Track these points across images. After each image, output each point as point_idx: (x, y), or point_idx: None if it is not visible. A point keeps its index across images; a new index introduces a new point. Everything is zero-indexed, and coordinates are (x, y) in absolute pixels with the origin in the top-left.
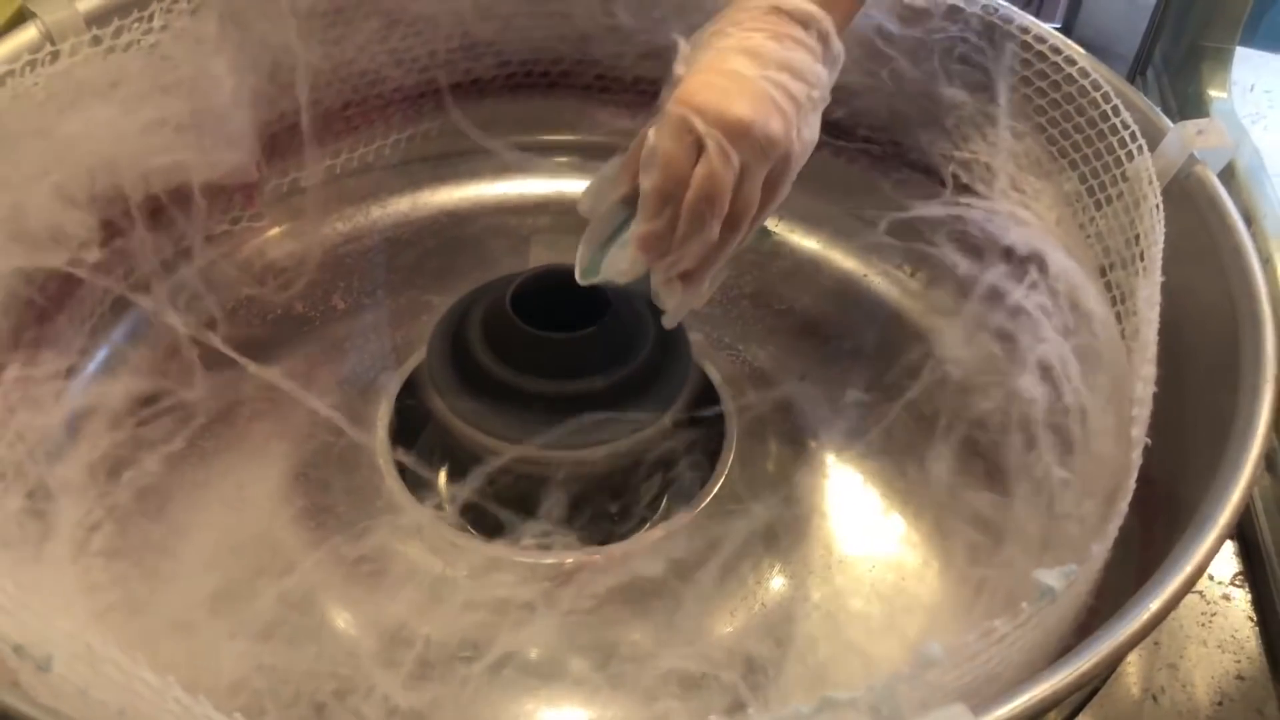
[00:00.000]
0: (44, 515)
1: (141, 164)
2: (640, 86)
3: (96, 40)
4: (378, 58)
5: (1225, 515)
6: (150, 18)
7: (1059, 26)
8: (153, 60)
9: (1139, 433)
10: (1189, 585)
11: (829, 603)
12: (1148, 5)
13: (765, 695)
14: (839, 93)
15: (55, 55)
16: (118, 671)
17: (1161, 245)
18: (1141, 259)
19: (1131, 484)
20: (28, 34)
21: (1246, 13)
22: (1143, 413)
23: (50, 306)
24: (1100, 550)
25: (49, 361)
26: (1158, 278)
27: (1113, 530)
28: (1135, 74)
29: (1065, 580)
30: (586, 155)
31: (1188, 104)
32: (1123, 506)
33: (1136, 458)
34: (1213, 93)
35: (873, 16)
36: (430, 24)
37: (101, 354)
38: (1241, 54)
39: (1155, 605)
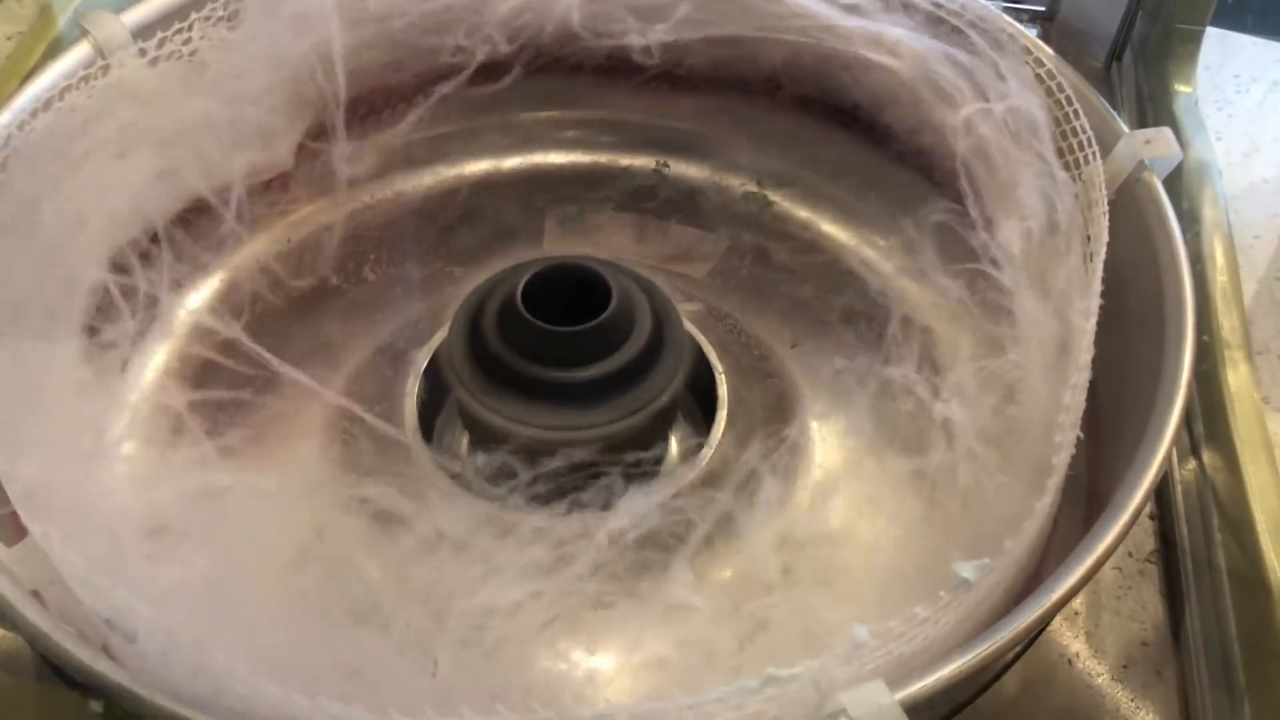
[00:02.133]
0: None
1: (186, 165)
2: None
3: (142, 52)
4: (400, 48)
5: (1123, 519)
6: (189, 28)
7: (1044, 10)
8: (192, 67)
9: (1062, 438)
10: (1084, 583)
11: (813, 566)
12: None
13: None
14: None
15: (106, 69)
16: (191, 646)
17: (1104, 255)
18: (1090, 259)
19: (1052, 485)
20: (81, 50)
21: None
22: (1068, 418)
23: (100, 313)
24: (1014, 546)
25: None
26: (1097, 287)
27: (1029, 528)
28: (1111, 59)
29: (979, 572)
30: (595, 130)
31: (1156, 94)
32: (1039, 507)
33: (1059, 462)
34: (1178, 86)
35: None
36: (451, 11)
37: (150, 352)
38: (1217, 36)
39: (1055, 596)
